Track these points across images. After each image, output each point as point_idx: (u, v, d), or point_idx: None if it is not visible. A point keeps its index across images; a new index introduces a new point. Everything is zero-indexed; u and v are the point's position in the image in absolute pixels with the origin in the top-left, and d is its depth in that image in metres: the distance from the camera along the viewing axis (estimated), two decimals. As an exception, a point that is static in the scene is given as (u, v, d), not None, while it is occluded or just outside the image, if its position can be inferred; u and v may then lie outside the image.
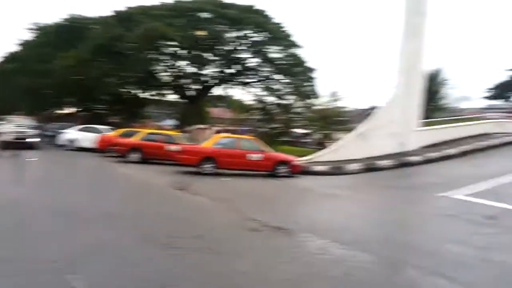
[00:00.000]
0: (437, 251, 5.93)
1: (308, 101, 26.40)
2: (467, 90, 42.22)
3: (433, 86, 27.52)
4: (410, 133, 16.85)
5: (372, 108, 23.68)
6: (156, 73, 28.35)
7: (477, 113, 30.69)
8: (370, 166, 14.70)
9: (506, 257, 5.71)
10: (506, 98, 48.91)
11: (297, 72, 26.21)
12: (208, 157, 13.08)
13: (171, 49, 26.98)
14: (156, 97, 30.75)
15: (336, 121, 25.53)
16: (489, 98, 49.72)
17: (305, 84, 26.34)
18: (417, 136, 17.28)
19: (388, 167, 14.83)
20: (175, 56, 27.50)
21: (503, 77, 49.26)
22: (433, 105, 27.58)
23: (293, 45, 26.65)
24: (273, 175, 13.33)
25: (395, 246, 6.15)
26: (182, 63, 28.11)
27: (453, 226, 7.58)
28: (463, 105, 33.15)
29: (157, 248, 5.15)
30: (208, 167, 13.00)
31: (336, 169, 14.31)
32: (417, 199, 10.31)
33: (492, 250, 6.02)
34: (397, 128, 16.43)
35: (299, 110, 27.31)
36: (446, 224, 7.77)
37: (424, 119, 18.67)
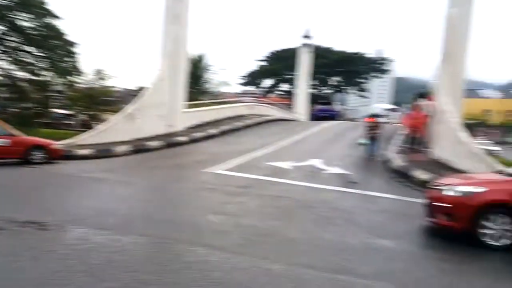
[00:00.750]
0: (198, 222, 6.37)
1: (70, 78, 23.87)
2: (226, 75, 47.44)
3: (197, 70, 29.38)
4: (176, 114, 17.53)
5: (140, 89, 23.48)
6: None
7: (234, 97, 34.73)
8: (139, 148, 14.56)
9: (254, 221, 6.64)
10: (257, 85, 57.36)
11: (55, 45, 23.17)
12: None
13: None
14: None
15: (103, 101, 24.16)
16: (244, 84, 57.24)
17: (65, 59, 23.59)
18: (183, 117, 18.16)
19: (157, 148, 15.05)
20: None
21: (253, 67, 57.60)
22: (198, 88, 29.49)
23: (49, 14, 23.34)
24: (27, 162, 11.50)
25: (160, 224, 6.25)
26: None
27: (212, 198, 8.32)
28: (223, 89, 36.78)
29: None
30: None
31: (103, 152, 13.54)
32: (183, 177, 10.84)
33: (243, 216, 6.91)
34: (164, 109, 16.81)
35: (59, 88, 24.43)
36: (207, 197, 8.46)
37: (189, 101, 19.74)
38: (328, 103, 37.86)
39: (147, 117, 16.15)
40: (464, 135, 12.29)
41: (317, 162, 12.60)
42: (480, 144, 20.61)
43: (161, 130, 16.63)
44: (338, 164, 12.58)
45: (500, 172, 7.59)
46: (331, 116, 32.24)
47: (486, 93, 66.87)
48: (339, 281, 4.38)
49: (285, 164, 12.14)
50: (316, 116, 32.81)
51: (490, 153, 17.81)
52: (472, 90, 55.60)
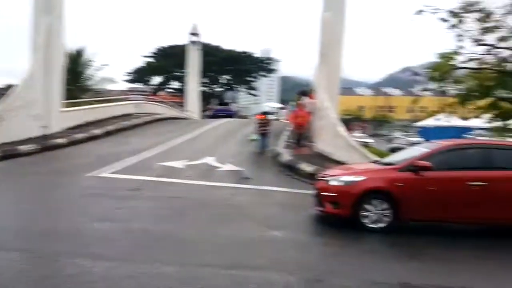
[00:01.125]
0: (82, 232, 5.80)
1: None
2: (111, 72, 44.39)
3: (77, 66, 27.05)
4: (53, 114, 15.80)
5: (9, 87, 20.79)
6: None
7: (120, 95, 32.81)
8: (8, 153, 12.74)
9: (146, 225, 6.30)
10: (145, 82, 55.14)
11: None
12: None
13: None
14: None
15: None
16: (130, 81, 54.54)
17: None
18: (61, 117, 16.45)
19: (31, 152, 13.36)
20: None
21: (140, 63, 55.20)
22: (78, 85, 27.11)
23: None
24: None
25: (37, 236, 5.54)
26: None
27: (99, 204, 7.65)
28: (108, 86, 34.42)
29: None
30: None
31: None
32: (63, 183, 9.79)
33: (133, 220, 6.52)
34: (38, 109, 15.03)
35: None
36: (93, 203, 7.74)
37: (68, 99, 18.03)
38: (226, 104, 40.78)
39: (18, 118, 14.25)
40: (342, 129, 13.43)
41: (210, 160, 12.55)
42: (356, 137, 22.89)
43: (35, 132, 14.84)
44: (231, 161, 12.71)
45: (376, 162, 8.44)
46: (229, 115, 34.27)
47: (360, 91, 74.70)
48: (235, 276, 4.37)
49: (178, 164, 11.84)
50: (215, 115, 34.48)
51: (365, 145, 19.87)
52: (348, 88, 61.58)
